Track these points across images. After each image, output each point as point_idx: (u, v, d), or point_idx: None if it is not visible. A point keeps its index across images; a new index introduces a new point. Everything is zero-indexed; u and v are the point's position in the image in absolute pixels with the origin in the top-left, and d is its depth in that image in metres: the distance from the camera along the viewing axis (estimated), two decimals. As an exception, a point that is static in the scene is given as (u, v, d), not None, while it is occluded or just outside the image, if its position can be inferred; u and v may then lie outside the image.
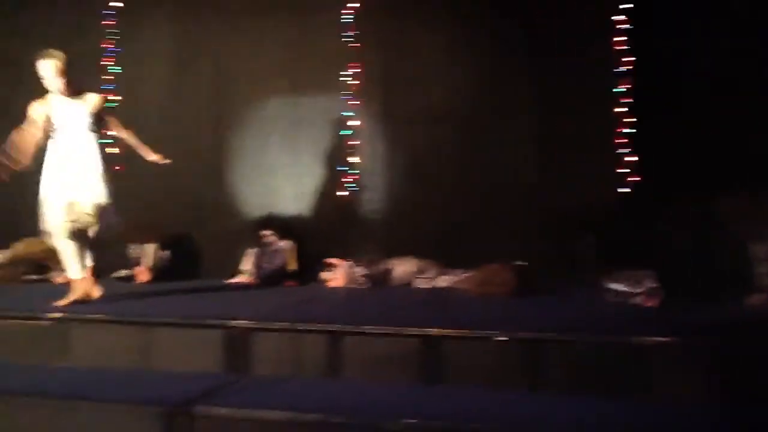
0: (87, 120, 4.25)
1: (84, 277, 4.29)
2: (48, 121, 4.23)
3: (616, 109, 5.68)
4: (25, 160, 4.18)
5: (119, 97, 6.31)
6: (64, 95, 4.23)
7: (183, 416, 2.66)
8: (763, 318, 3.83)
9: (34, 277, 5.75)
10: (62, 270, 5.62)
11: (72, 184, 4.19)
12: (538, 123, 5.86)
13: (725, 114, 5.25)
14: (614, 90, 5.68)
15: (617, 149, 5.67)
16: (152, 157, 4.50)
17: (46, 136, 4.25)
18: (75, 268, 4.29)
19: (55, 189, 4.19)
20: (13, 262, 5.75)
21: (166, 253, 6.03)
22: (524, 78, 5.89)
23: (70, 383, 3.13)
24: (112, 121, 4.41)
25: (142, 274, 5.82)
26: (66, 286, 4.33)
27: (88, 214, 4.21)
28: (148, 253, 5.96)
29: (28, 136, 4.20)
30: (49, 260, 5.69)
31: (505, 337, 3.15)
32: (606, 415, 2.71)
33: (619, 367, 3.06)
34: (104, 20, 6.63)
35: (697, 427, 2.64)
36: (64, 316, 3.63)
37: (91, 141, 4.27)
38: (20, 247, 5.87)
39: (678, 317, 3.75)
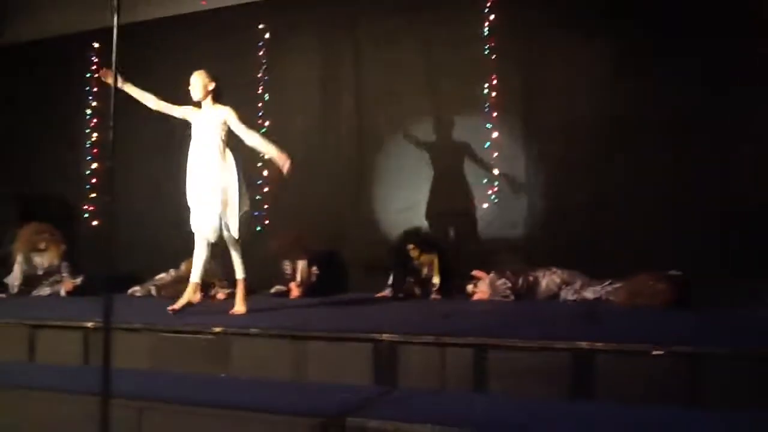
0: (220, 130, 4.55)
1: (196, 283, 4.64)
2: (181, 118, 4.70)
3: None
4: (133, 91, 4.58)
5: (267, 123, 6.68)
6: (204, 103, 4.62)
7: (336, 427, 2.74)
8: None
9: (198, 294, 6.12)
10: (223, 288, 6.04)
11: (208, 195, 4.51)
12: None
13: None
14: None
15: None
16: (276, 155, 4.57)
17: (160, 115, 4.72)
18: (195, 273, 4.63)
19: (193, 198, 4.58)
20: (178, 281, 6.17)
21: (315, 270, 6.27)
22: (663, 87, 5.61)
23: (229, 393, 3.31)
24: (235, 122, 4.56)
25: (295, 290, 6.08)
26: (226, 303, 4.62)
27: (225, 226, 4.52)
28: (300, 269, 6.22)
29: (156, 99, 4.68)
30: (211, 278, 6.06)
31: (661, 351, 2.99)
32: None
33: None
34: (254, 51, 7.05)
35: None
36: (225, 330, 3.86)
37: (226, 153, 4.55)
38: (185, 266, 6.32)
39: None
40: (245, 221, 4.62)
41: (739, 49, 5.31)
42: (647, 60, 5.68)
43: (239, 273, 4.66)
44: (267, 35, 7.05)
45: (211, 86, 4.61)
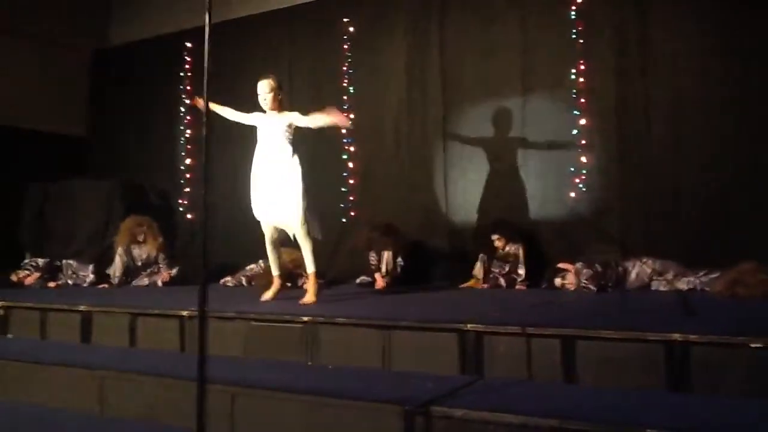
0: (287, 134, 4.71)
1: (277, 275, 4.99)
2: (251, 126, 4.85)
3: None
4: (216, 108, 4.70)
5: (352, 116, 6.75)
6: (272, 110, 4.75)
7: (422, 416, 2.76)
8: None
9: (288, 284, 6.24)
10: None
11: (272, 195, 4.69)
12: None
13: None
14: None
15: None
16: (336, 118, 4.70)
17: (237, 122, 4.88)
18: (273, 266, 4.99)
19: (257, 198, 4.77)
20: (268, 271, 6.32)
21: (400, 260, 6.31)
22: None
23: (318, 381, 3.39)
24: (302, 120, 4.69)
25: (380, 280, 6.14)
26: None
27: (286, 225, 4.72)
28: (386, 260, 6.28)
29: (233, 111, 4.85)
30: (299, 268, 6.20)
31: (760, 344, 2.86)
32: None
33: None
34: (341, 44, 7.14)
35: None
36: (313, 319, 3.94)
37: (290, 156, 4.70)
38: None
39: None
40: (312, 217, 4.75)
41: None
42: (753, 39, 5.37)
43: (309, 266, 4.80)
44: (351, 28, 7.12)
45: (281, 95, 4.80)
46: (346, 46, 7.13)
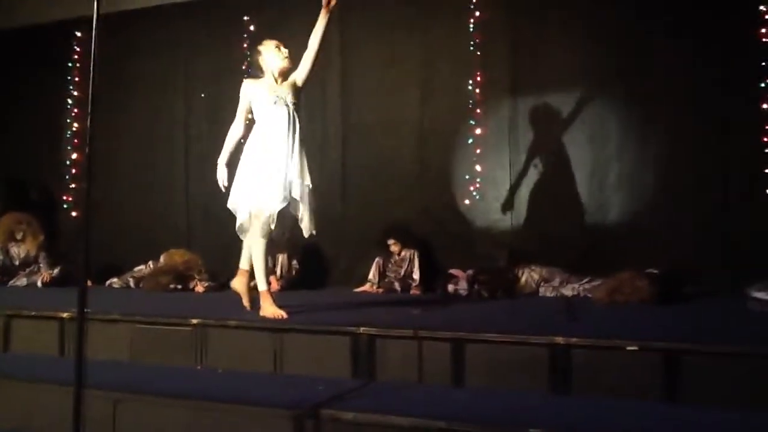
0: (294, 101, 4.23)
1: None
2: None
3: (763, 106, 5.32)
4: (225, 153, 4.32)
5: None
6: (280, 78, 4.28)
7: (311, 419, 2.75)
8: None
9: (179, 286, 6.07)
10: (202, 280, 6.00)
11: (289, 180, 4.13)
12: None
13: None
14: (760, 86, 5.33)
15: (762, 149, 5.31)
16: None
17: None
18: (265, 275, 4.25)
19: (268, 186, 4.11)
20: (158, 273, 6.14)
21: (296, 263, 6.26)
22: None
23: (206, 385, 3.30)
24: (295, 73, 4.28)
25: (274, 283, 6.06)
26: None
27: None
28: (281, 263, 6.22)
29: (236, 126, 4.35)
30: (190, 270, 6.05)
31: (636, 346, 3.02)
32: (747, 428, 2.54)
33: (759, 378, 2.86)
34: (241, 42, 7.02)
35: None
36: (203, 322, 3.84)
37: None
38: (164, 259, 6.29)
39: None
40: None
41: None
42: (646, 59, 5.68)
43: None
44: (252, 27, 7.00)
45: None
46: (245, 45, 7.00)
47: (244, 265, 4.31)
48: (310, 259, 6.41)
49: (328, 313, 4.40)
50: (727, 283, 4.94)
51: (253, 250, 4.19)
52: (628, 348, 3.04)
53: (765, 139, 5.28)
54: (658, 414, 2.75)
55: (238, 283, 4.32)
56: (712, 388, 2.88)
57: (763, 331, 3.47)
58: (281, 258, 6.20)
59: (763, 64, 5.28)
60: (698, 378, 2.91)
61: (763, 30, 5.29)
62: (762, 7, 5.30)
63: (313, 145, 6.54)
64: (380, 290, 5.90)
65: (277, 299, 4.20)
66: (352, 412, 2.74)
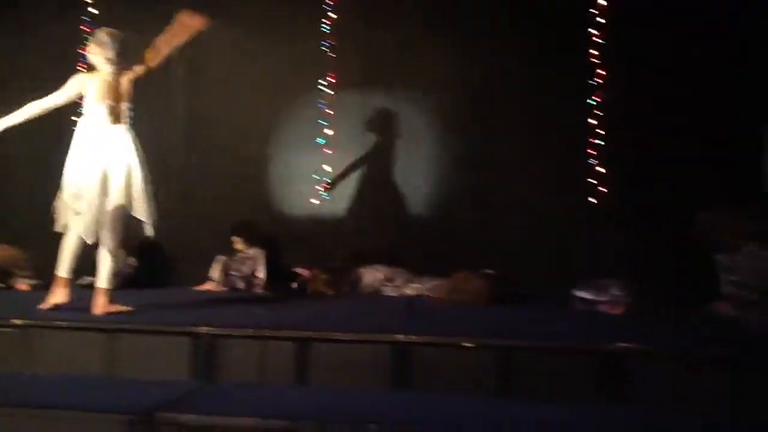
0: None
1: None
2: None
3: (589, 120, 5.77)
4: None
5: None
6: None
7: (146, 424, 2.62)
8: (727, 324, 3.92)
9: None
10: (25, 277, 5.56)
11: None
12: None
13: (692, 129, 5.40)
14: (587, 101, 5.78)
15: (587, 159, 5.77)
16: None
17: None
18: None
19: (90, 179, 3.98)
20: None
21: (132, 260, 5.95)
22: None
23: (33, 391, 3.07)
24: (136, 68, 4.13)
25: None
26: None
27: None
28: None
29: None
30: (12, 267, 5.59)
31: (472, 343, 3.17)
32: (573, 420, 2.73)
33: (582, 373, 3.10)
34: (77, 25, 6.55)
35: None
36: (28, 323, 3.56)
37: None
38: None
39: (643, 324, 3.82)
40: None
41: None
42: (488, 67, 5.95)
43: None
44: (95, 11, 6.55)
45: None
46: (87, 29, 6.53)
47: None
48: (149, 257, 6.11)
49: (167, 313, 4.22)
50: (556, 283, 5.28)
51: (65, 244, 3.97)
52: (465, 345, 3.17)
53: (590, 140, 5.75)
54: (491, 408, 2.90)
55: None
56: (540, 382, 3.09)
57: (586, 329, 3.76)
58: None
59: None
60: (527, 373, 3.11)
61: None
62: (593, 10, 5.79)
63: (155, 140, 6.25)
64: (223, 289, 5.75)
65: (114, 298, 3.98)
66: (191, 414, 2.65)
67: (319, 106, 6.21)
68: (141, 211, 4.02)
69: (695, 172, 5.38)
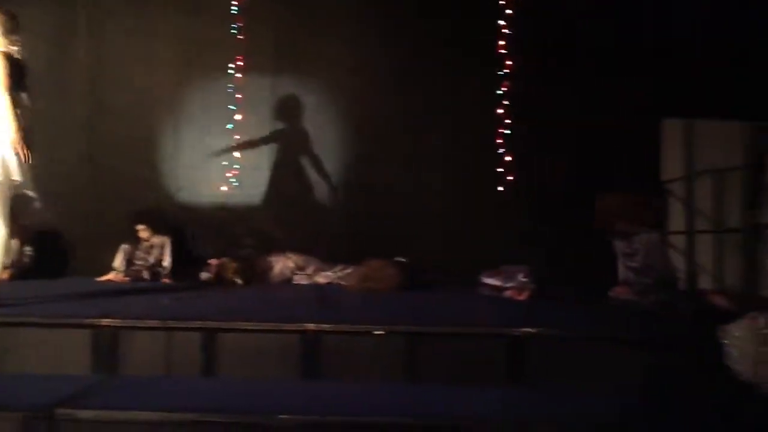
0: None
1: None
2: None
3: (497, 111, 5.90)
4: None
5: None
6: None
7: (44, 421, 2.51)
8: (625, 308, 4.11)
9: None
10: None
11: None
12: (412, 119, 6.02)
13: (597, 120, 5.63)
14: (496, 92, 5.91)
15: (496, 149, 5.90)
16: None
17: None
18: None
19: None
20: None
21: (28, 249, 5.66)
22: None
23: None
24: None
25: (2, 272, 5.42)
26: None
27: None
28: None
29: None
30: None
31: (382, 330, 3.19)
32: (480, 403, 2.80)
33: (489, 356, 3.17)
34: None
35: (569, 413, 2.77)
36: None
37: None
38: None
39: (545, 309, 3.95)
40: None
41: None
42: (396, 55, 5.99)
43: None
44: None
45: None
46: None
47: None
48: (47, 246, 5.83)
49: (66, 305, 4.03)
50: (465, 270, 5.38)
51: None
52: (375, 332, 3.19)
53: (498, 130, 5.91)
54: (399, 393, 2.93)
55: None
56: (449, 366, 3.15)
57: (493, 314, 3.86)
58: (12, 244, 5.56)
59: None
60: (437, 358, 3.16)
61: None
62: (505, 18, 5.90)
63: (56, 122, 5.95)
64: (127, 279, 5.56)
65: (7, 289, 3.77)
66: (91, 410, 2.55)
67: (228, 90, 6.07)
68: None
69: (599, 161, 5.61)
